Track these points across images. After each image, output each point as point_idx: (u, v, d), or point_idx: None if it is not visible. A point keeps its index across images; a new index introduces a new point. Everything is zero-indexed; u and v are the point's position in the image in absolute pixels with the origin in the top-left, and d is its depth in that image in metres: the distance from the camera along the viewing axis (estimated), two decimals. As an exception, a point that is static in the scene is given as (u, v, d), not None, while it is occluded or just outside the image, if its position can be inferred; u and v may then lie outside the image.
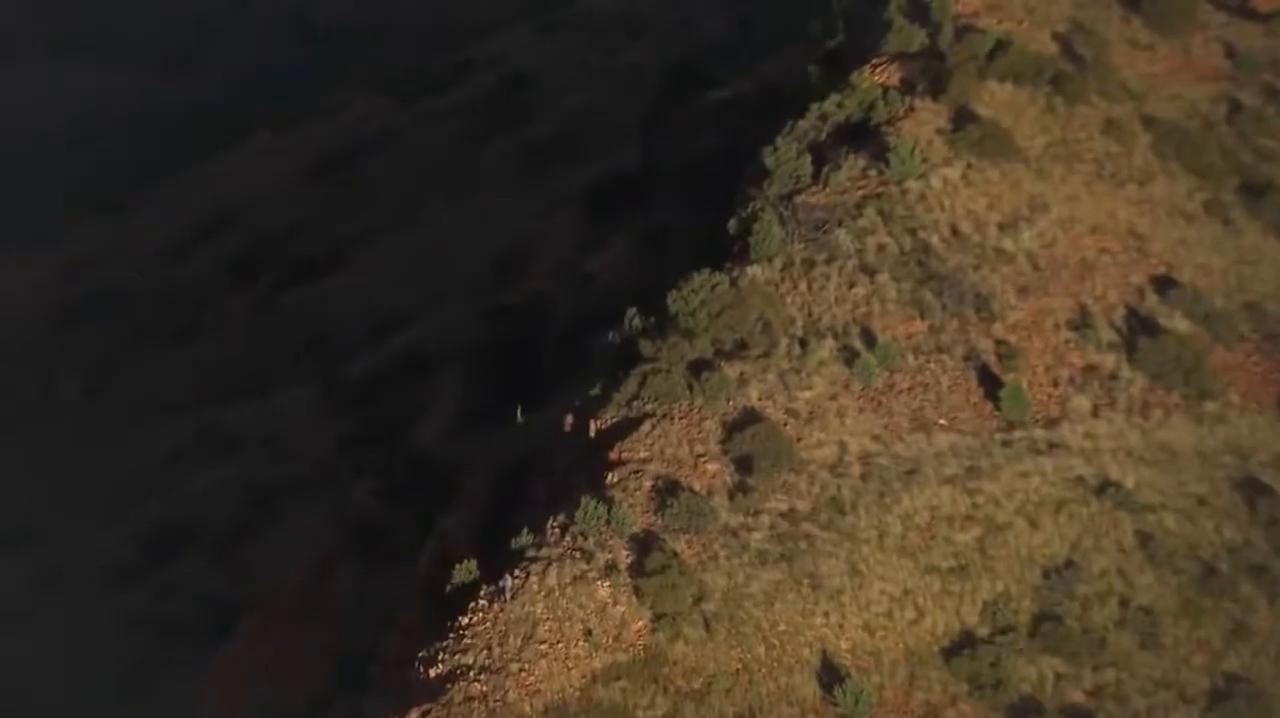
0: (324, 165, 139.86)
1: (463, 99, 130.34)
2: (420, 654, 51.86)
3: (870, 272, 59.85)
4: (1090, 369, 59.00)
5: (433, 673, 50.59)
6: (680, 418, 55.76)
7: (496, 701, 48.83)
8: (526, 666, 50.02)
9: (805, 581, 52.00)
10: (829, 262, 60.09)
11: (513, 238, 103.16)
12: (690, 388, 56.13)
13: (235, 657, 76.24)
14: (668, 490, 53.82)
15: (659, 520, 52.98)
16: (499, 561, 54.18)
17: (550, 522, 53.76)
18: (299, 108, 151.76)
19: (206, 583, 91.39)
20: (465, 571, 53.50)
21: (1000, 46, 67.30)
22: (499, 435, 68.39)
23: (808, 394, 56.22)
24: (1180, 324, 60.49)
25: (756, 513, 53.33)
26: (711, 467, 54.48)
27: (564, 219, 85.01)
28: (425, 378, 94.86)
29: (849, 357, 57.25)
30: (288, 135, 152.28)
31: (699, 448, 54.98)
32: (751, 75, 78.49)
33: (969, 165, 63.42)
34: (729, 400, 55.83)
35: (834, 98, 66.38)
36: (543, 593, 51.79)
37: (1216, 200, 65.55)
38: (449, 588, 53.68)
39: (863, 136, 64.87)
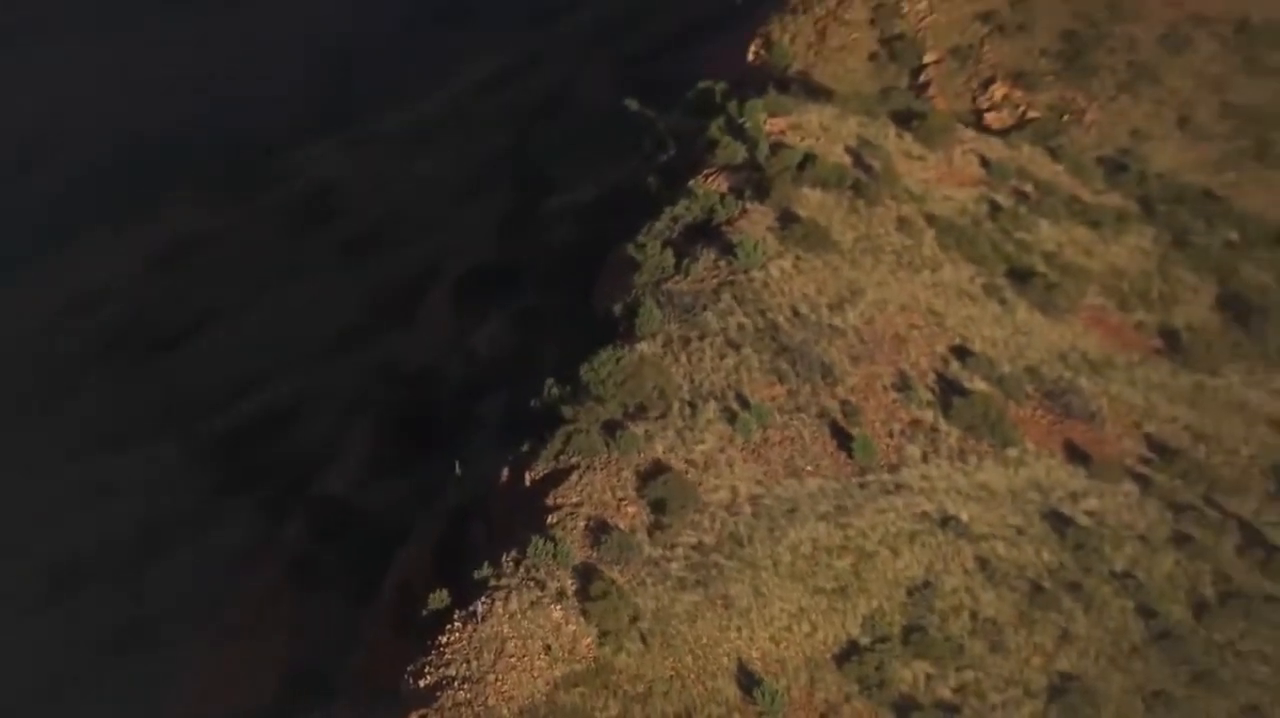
0: (163, 258, 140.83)
1: (278, 202, 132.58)
2: (409, 668, 52.83)
3: (735, 346, 62.15)
4: (915, 423, 61.85)
5: (422, 683, 52.05)
6: (601, 469, 57.75)
7: (480, 705, 50.56)
8: (500, 676, 51.74)
9: (719, 602, 54.15)
10: (701, 338, 62.39)
11: (347, 316, 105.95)
12: (606, 444, 58.10)
13: (190, 671, 77.07)
14: (599, 529, 55.84)
15: (595, 554, 55.00)
16: (457, 589, 56.17)
17: (505, 557, 55.25)
18: (131, 209, 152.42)
19: (111, 607, 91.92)
20: (439, 599, 54.93)
21: (808, 159, 70.07)
22: (426, 485, 70.69)
23: (701, 448, 58.47)
24: (979, 385, 63.68)
25: (673, 546, 55.53)
26: (631, 509, 56.56)
27: (435, 301, 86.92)
28: (285, 432, 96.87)
29: (729, 416, 59.47)
30: (125, 233, 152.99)
31: (619, 493, 57.05)
32: (593, 183, 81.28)
33: (797, 257, 66.06)
34: (639, 454, 57.86)
35: (683, 202, 68.68)
36: (507, 616, 53.51)
37: (992, 283, 68.55)
38: (425, 613, 54.89)
39: (709, 234, 67.33)
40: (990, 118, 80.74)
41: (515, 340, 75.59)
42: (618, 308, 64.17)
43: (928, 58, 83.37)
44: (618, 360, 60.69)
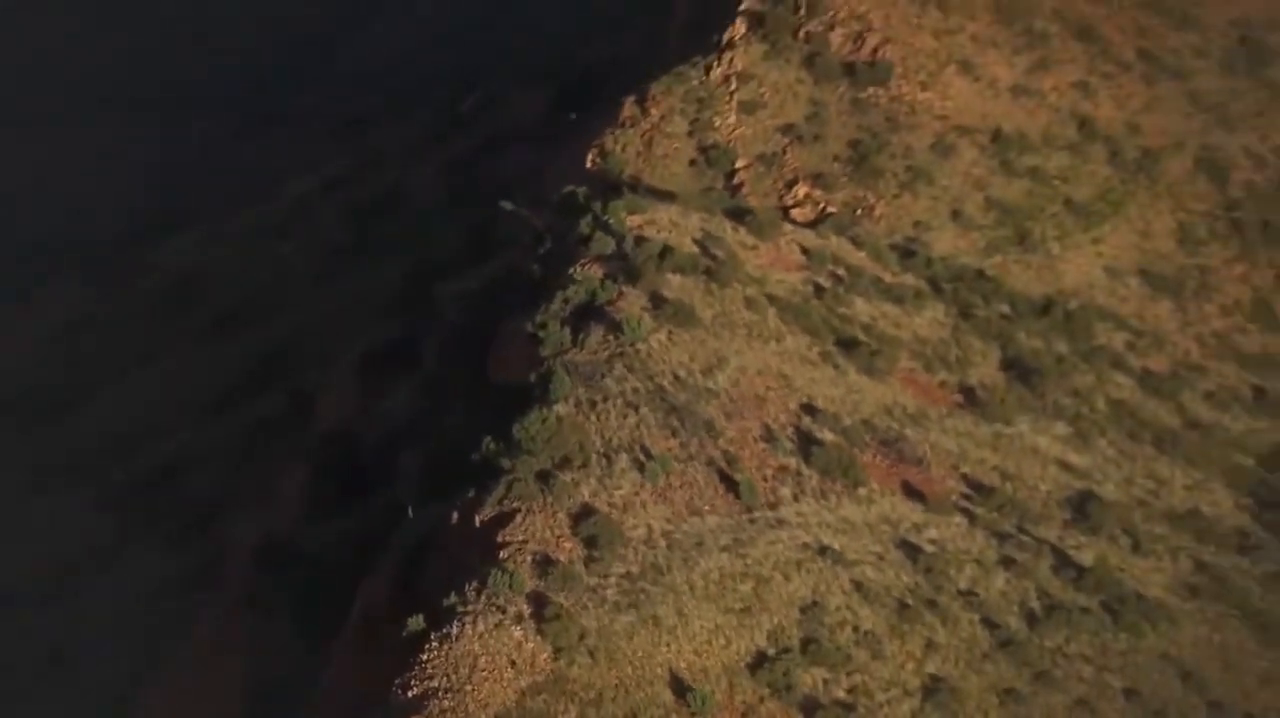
0: (51, 338, 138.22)
1: (152, 287, 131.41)
2: (397, 680, 54.04)
3: (634, 406, 63.60)
4: (783, 468, 63.71)
5: (410, 694, 53.40)
6: (540, 512, 58.94)
7: (462, 711, 52.25)
8: (476, 686, 53.22)
9: (649, 621, 55.77)
10: (604, 400, 63.84)
11: (224, 380, 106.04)
12: (541, 491, 59.26)
13: (165, 686, 76.59)
14: (544, 562, 57.07)
15: (543, 583, 56.21)
16: (423, 615, 57.34)
17: (467, 586, 56.38)
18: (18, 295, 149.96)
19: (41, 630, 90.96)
20: (416, 622, 55.90)
21: (666, 250, 71.76)
22: (364, 526, 71.62)
23: (620, 492, 59.96)
24: (828, 436, 65.61)
25: (606, 576, 56.98)
26: (568, 545, 57.84)
27: (340, 373, 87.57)
28: (181, 480, 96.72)
29: (638, 465, 60.84)
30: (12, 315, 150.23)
31: (557, 532, 58.35)
32: (481, 272, 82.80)
33: (670, 332, 67.79)
34: (569, 498, 59.13)
35: (571, 287, 70.18)
36: (476, 636, 54.79)
37: (825, 351, 70.39)
38: (404, 634, 55.76)
39: (594, 313, 68.68)
40: (795, 213, 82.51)
41: (422, 404, 77.30)
42: (532, 376, 65.80)
43: (739, 163, 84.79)
44: (543, 420, 62.18)
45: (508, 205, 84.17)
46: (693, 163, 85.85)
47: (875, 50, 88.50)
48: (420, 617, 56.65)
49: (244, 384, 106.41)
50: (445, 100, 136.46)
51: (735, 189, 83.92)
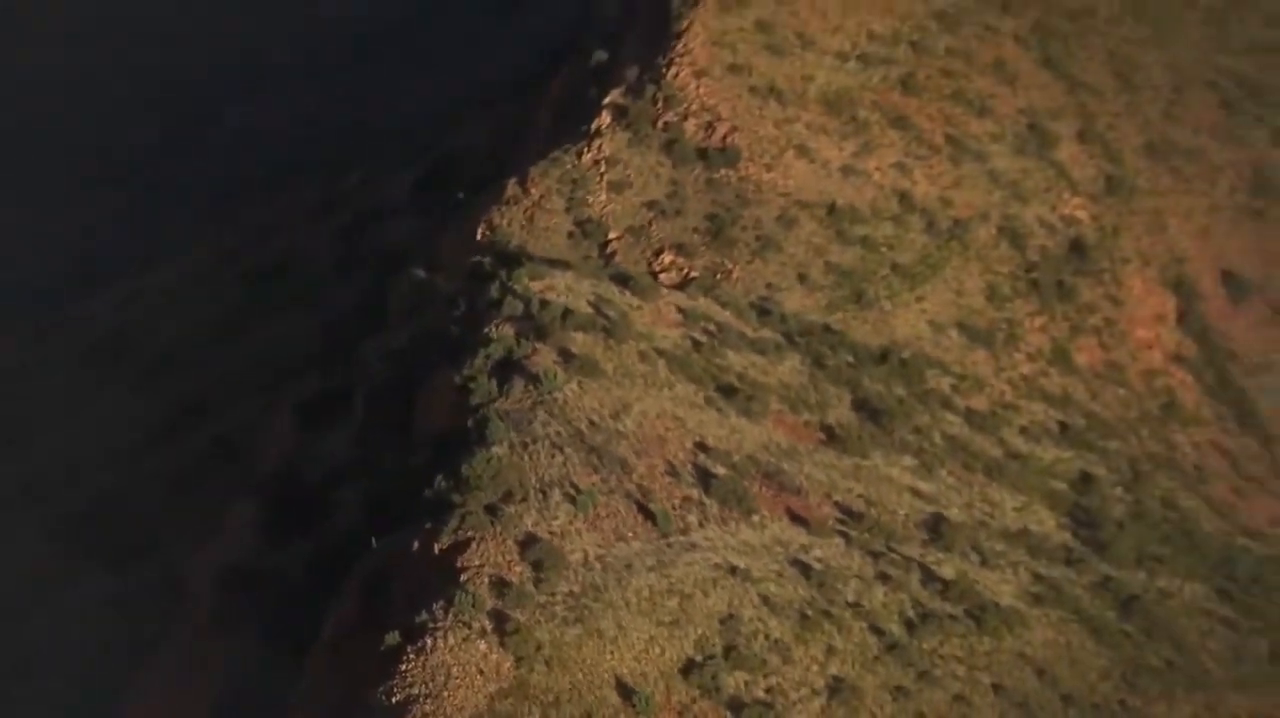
0: None
1: (78, 338, 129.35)
2: (380, 689, 55.01)
3: (559, 447, 64.42)
4: (687, 499, 64.88)
5: (393, 700, 54.32)
6: (491, 540, 59.57)
7: (441, 714, 53.38)
8: (451, 693, 54.22)
9: (594, 633, 56.78)
10: (534, 443, 64.53)
11: (152, 419, 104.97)
12: (491, 522, 60.05)
13: (136, 703, 75.62)
14: (499, 583, 57.76)
15: (500, 602, 57.03)
16: (399, 631, 57.88)
17: (434, 606, 57.22)
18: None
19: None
20: (393, 638, 56.65)
21: (567, 312, 73.04)
22: (320, 554, 71.87)
23: (557, 522, 60.80)
24: (721, 470, 66.98)
25: (553, 594, 57.84)
26: (518, 568, 58.54)
27: (279, 419, 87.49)
28: (119, 511, 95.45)
29: (570, 498, 61.82)
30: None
31: (508, 557, 59.07)
32: (402, 331, 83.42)
33: (580, 382, 68.79)
34: (515, 528, 59.92)
35: (492, 344, 70.88)
36: (448, 649, 55.59)
37: (709, 397, 71.67)
38: (382, 648, 56.39)
39: (513, 367, 69.56)
40: (663, 278, 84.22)
41: (356, 447, 77.99)
42: (470, 421, 66.89)
43: (611, 235, 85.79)
44: (487, 461, 63.62)
45: (419, 273, 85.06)
46: (570, 235, 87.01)
47: (724, 138, 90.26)
48: (396, 633, 57.32)
49: (169, 429, 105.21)
50: (327, 174, 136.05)
51: (609, 258, 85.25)
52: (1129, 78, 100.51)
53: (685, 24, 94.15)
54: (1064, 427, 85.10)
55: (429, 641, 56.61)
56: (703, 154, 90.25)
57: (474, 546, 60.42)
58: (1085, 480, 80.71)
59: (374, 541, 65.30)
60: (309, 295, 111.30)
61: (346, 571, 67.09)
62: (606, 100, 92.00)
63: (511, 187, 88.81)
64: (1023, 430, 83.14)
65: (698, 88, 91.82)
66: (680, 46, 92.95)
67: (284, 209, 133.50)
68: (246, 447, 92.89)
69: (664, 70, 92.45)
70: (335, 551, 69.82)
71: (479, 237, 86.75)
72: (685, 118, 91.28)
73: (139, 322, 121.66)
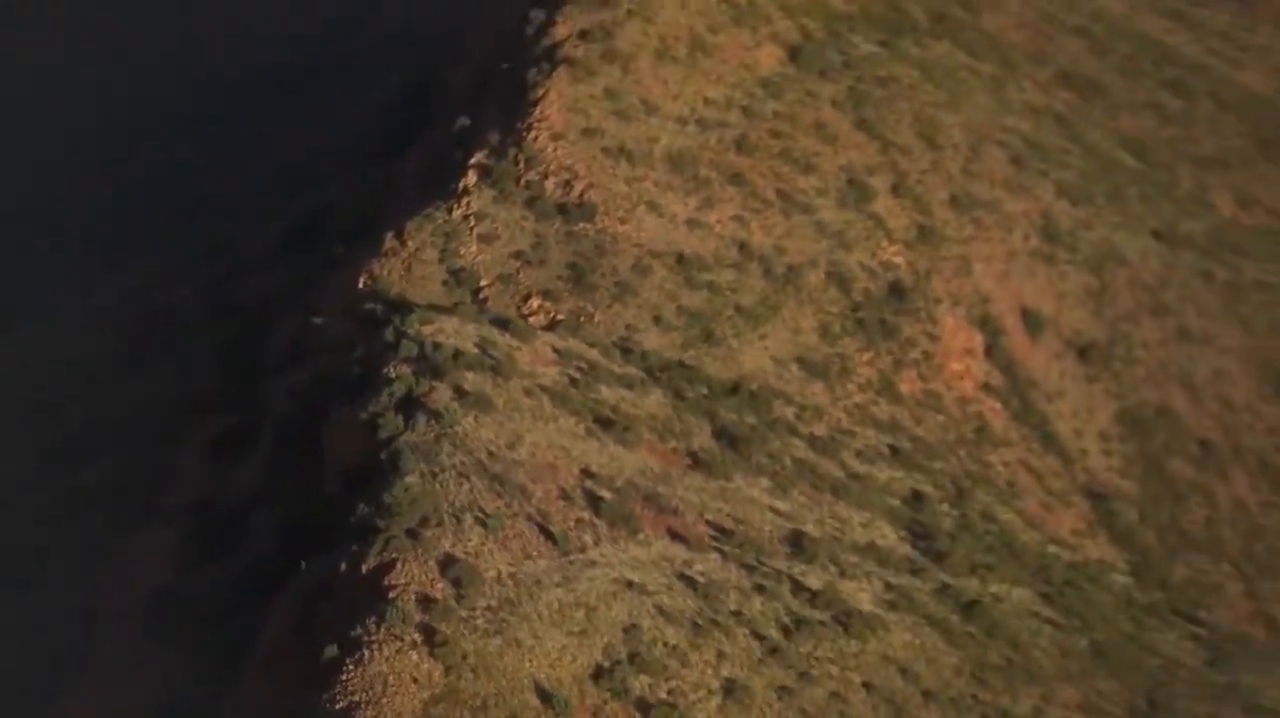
0: None
1: None
2: (323, 697, 55.07)
3: (465, 476, 64.25)
4: (580, 520, 65.05)
5: (337, 707, 54.36)
6: (414, 561, 59.34)
7: (382, 720, 53.10)
8: (390, 699, 54.23)
9: (514, 643, 56.80)
10: (442, 472, 64.32)
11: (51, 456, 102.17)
12: (412, 545, 59.93)
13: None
14: (425, 600, 57.54)
15: (427, 617, 56.87)
16: (337, 644, 57.78)
17: (368, 621, 57.21)
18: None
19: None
20: (332, 650, 56.39)
21: (458, 353, 72.91)
22: (245, 575, 70.64)
23: (471, 544, 60.68)
24: (607, 494, 67.28)
25: (474, 609, 57.72)
26: (440, 586, 58.37)
27: (190, 453, 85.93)
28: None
29: (480, 522, 61.64)
30: None
31: (430, 576, 58.90)
32: (304, 372, 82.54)
33: (476, 416, 68.62)
34: (435, 549, 59.84)
35: (394, 383, 70.77)
36: (384, 659, 55.50)
37: (589, 428, 71.95)
38: (322, 660, 56.32)
39: (415, 404, 69.33)
40: (532, 320, 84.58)
41: (267, 479, 77.15)
42: (383, 454, 66.55)
43: (483, 283, 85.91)
44: (405, 489, 63.42)
45: (318, 319, 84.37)
46: (445, 283, 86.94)
47: (582, 194, 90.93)
48: (335, 646, 57.16)
49: (52, 467, 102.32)
50: (193, 230, 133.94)
51: (482, 303, 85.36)
52: (932, 138, 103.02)
53: (541, 92, 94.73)
54: (894, 450, 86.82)
55: (366, 652, 56.53)
56: (562, 209, 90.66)
57: (398, 566, 60.23)
58: (916, 498, 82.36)
59: (303, 563, 64.65)
60: (185, 341, 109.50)
61: (269, 591, 66.51)
62: (472, 161, 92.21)
63: (389, 240, 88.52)
64: (859, 454, 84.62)
65: (555, 149, 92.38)
66: (538, 112, 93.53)
67: (161, 258, 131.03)
68: (134, 483, 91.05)
69: (524, 134, 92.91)
70: (256, 573, 69.05)
71: (361, 285, 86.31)
72: (545, 177, 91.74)
73: (17, 367, 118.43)
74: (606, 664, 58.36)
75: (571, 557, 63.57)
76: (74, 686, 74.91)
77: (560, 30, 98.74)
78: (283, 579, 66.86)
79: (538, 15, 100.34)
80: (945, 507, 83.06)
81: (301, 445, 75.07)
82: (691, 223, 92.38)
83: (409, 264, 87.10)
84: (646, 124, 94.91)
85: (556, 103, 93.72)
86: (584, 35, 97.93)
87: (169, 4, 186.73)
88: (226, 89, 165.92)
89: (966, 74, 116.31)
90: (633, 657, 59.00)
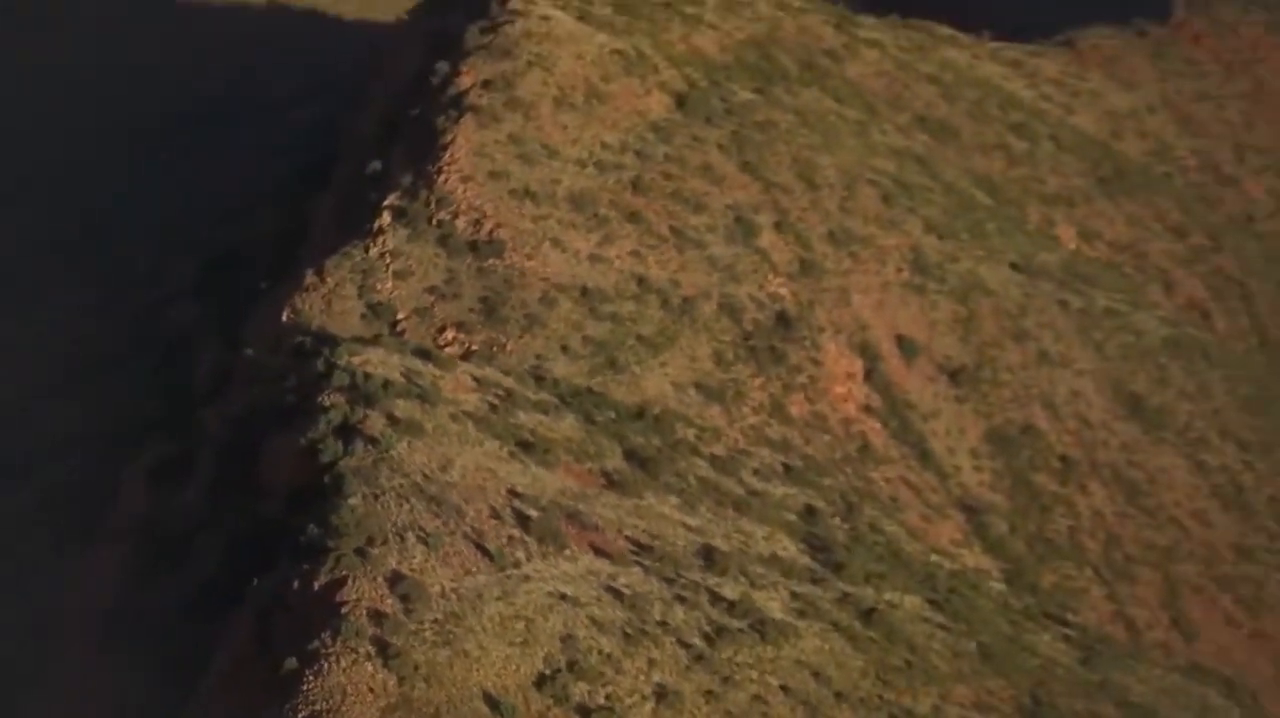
0: None
1: None
2: (285, 706, 54.90)
3: (404, 498, 64.18)
4: (512, 538, 65.23)
5: (300, 716, 54.49)
6: (364, 578, 59.20)
7: (342, 730, 52.80)
8: (348, 709, 54.26)
9: (461, 654, 56.79)
10: (383, 495, 64.25)
11: None
12: (361, 563, 59.84)
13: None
14: (376, 615, 57.51)
15: (379, 630, 56.87)
16: (295, 657, 57.70)
17: (323, 635, 57.12)
18: None
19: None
20: (291, 663, 56.28)
21: (387, 382, 73.09)
22: (196, 594, 69.68)
23: (415, 561, 60.73)
24: (534, 513, 67.46)
25: (422, 622, 57.79)
26: (390, 601, 58.32)
27: (131, 476, 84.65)
28: None
29: (423, 540, 61.73)
30: None
31: (380, 592, 58.87)
32: (242, 400, 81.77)
33: (409, 442, 68.70)
34: (382, 567, 59.84)
35: (331, 411, 70.78)
36: (341, 671, 55.45)
37: (512, 451, 72.09)
38: (282, 672, 56.21)
39: (351, 431, 69.26)
40: (448, 351, 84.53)
41: (208, 502, 76.49)
42: (326, 478, 66.40)
43: (400, 316, 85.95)
44: (351, 510, 63.40)
45: (249, 352, 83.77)
46: (364, 317, 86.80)
47: (490, 233, 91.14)
48: (294, 658, 57.06)
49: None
50: (114, 265, 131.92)
51: (400, 335, 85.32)
52: (809, 178, 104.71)
53: (450, 138, 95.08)
54: (787, 468, 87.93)
55: (324, 664, 56.46)
56: (473, 247, 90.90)
57: (349, 583, 60.17)
58: (810, 512, 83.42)
59: (255, 581, 64.28)
60: (110, 371, 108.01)
61: (218, 609, 66.11)
62: (386, 202, 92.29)
63: (310, 276, 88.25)
64: (756, 472, 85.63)
65: (465, 191, 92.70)
66: (447, 157, 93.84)
67: (80, 290, 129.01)
68: (71, 504, 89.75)
69: (435, 177, 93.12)
70: (204, 591, 68.62)
71: (284, 319, 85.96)
72: (456, 216, 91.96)
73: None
74: (548, 673, 58.58)
75: (508, 572, 63.73)
76: (28, 701, 73.51)
77: (465, 80, 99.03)
78: (231, 597, 66.42)
79: (442, 66, 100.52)
80: (837, 520, 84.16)
81: (240, 470, 74.57)
82: (593, 258, 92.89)
83: (329, 299, 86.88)
84: (548, 167, 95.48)
85: (464, 148, 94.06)
86: (487, 85, 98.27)
87: (85, 42, 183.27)
88: (132, 130, 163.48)
89: (835, 118, 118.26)
90: (571, 665, 59.26)
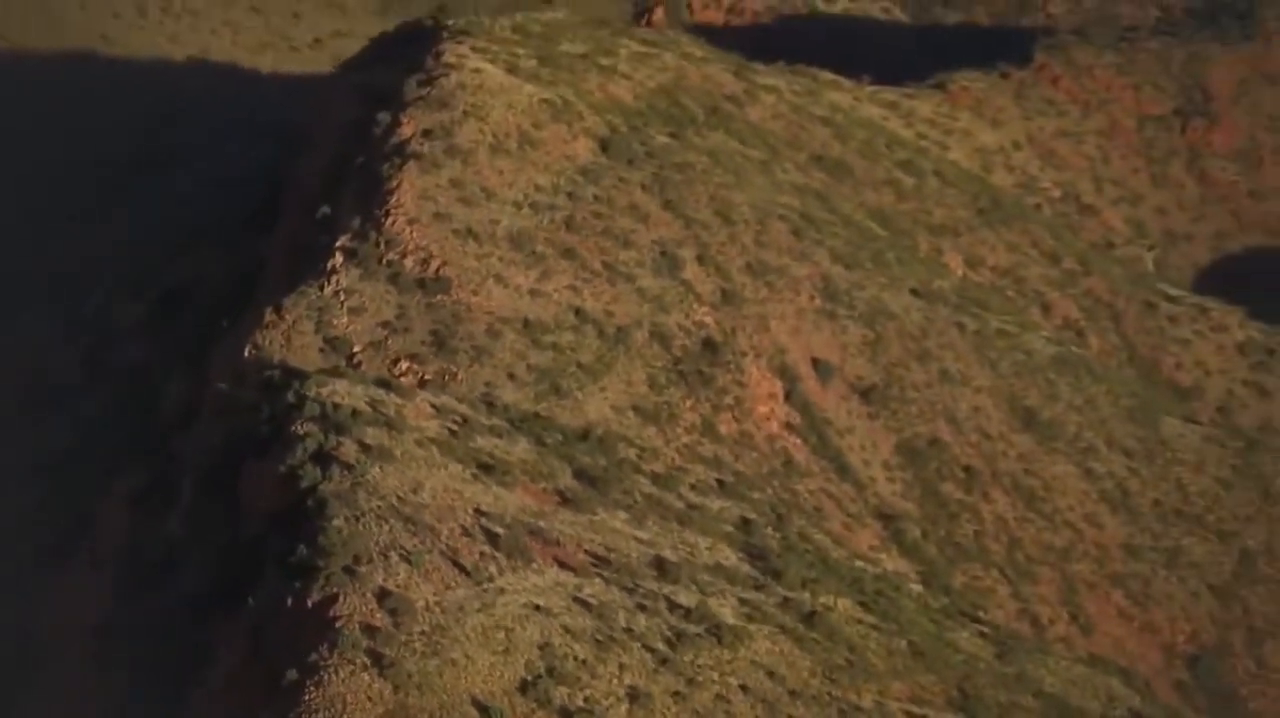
0: None
1: None
2: (289, 715, 55.22)
3: (383, 518, 64.23)
4: (484, 554, 65.49)
5: (302, 726, 54.09)
6: (354, 594, 59.34)
7: (342, 736, 52.89)
8: (349, 716, 55.07)
9: (450, 663, 57.50)
10: (364, 516, 64.36)
11: None
12: (350, 580, 59.98)
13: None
14: (368, 628, 57.88)
15: (372, 643, 57.22)
16: (290, 670, 57.79)
17: (321, 648, 57.48)
18: None
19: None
20: (292, 674, 56.41)
21: (356, 411, 72.88)
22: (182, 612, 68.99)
23: (399, 578, 60.90)
24: (501, 530, 67.64)
25: (411, 634, 58.22)
26: (379, 616, 58.51)
27: (112, 502, 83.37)
28: None
29: (405, 559, 62.12)
30: None
31: (369, 607, 59.08)
32: (218, 430, 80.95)
33: (381, 467, 68.78)
34: (370, 584, 59.94)
35: (308, 439, 70.39)
36: (340, 681, 55.82)
37: (475, 473, 72.05)
38: (283, 683, 56.33)
39: (327, 458, 69.09)
40: (403, 381, 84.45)
41: (190, 526, 75.90)
42: (309, 501, 66.27)
43: (356, 349, 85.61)
44: (338, 532, 63.40)
45: (222, 386, 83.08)
46: (321, 350, 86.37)
47: (437, 271, 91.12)
48: (294, 670, 57.03)
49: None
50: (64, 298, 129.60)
51: (357, 367, 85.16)
52: (726, 215, 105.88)
53: (395, 183, 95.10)
54: (720, 483, 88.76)
55: (324, 675, 56.58)
56: (421, 284, 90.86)
57: (340, 599, 60.37)
58: (745, 523, 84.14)
59: (250, 598, 63.98)
60: (68, 402, 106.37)
61: (206, 626, 65.78)
62: (338, 244, 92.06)
63: (269, 313, 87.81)
64: (693, 487, 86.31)
65: (411, 232, 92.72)
66: (394, 201, 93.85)
67: (33, 324, 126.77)
68: (45, 528, 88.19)
69: (383, 220, 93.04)
70: (192, 609, 68.14)
71: (247, 354, 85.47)
72: (404, 256, 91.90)
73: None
74: (529, 678, 59.03)
75: (484, 586, 64.14)
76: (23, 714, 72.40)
77: (406, 129, 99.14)
78: (219, 613, 66.09)
79: (384, 116, 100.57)
80: (769, 530, 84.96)
81: (220, 496, 74.05)
82: (533, 292, 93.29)
83: (289, 335, 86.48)
84: (488, 208, 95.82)
85: (409, 192, 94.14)
86: (427, 133, 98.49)
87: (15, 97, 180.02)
88: (78, 168, 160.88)
89: (741, 159, 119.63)
90: (550, 670, 59.76)
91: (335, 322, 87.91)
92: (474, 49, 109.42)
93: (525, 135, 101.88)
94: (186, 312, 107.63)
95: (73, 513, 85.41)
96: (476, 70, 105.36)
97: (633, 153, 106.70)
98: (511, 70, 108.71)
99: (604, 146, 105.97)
